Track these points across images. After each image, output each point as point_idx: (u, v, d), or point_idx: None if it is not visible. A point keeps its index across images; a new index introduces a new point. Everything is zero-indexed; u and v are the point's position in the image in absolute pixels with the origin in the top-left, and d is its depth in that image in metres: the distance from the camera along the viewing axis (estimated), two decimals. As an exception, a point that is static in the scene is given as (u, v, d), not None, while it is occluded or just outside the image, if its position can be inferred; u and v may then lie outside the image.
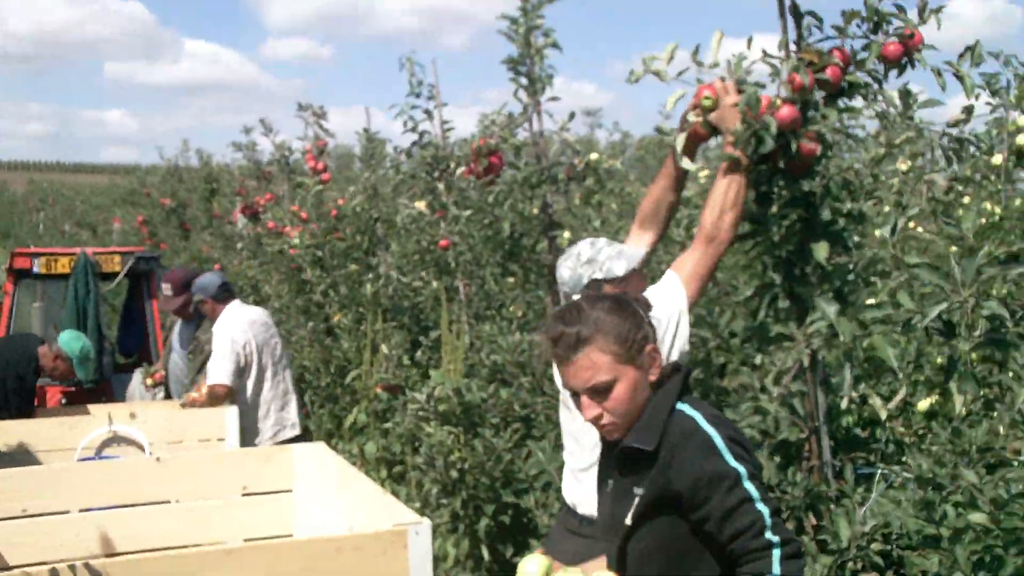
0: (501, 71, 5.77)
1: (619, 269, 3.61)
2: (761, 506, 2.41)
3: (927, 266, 2.78)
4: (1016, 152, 4.75)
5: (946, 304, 2.76)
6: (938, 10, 3.44)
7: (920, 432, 4.71)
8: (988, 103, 4.31)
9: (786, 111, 3.50)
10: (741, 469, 2.43)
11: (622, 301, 2.60)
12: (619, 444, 2.57)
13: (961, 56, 3.35)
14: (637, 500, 2.52)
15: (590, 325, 2.53)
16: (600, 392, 2.53)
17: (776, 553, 2.38)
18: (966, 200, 4.47)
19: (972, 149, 3.42)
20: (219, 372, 6.31)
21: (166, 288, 7.11)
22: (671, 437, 2.48)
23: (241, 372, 6.34)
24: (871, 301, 3.23)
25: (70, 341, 6.58)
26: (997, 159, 4.60)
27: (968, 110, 3.31)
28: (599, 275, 3.59)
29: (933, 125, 3.30)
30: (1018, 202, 4.89)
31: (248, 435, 6.35)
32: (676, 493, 2.45)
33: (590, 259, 3.64)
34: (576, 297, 2.73)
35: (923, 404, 4.77)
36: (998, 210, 4.37)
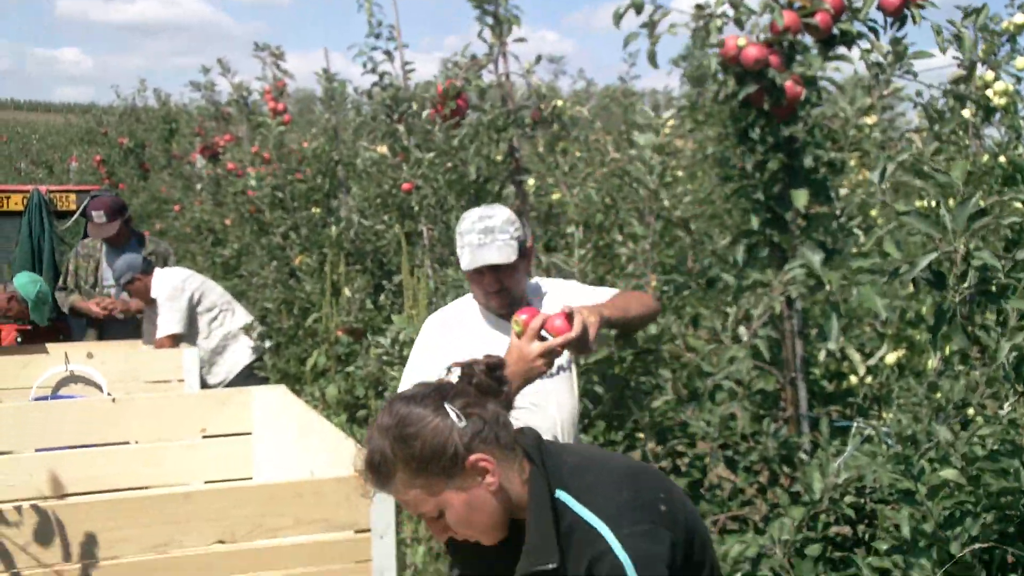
0: (461, 18, 5.65)
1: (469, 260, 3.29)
2: None
3: (917, 214, 2.70)
4: (984, 107, 4.69)
5: (937, 254, 2.68)
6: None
7: (889, 387, 4.68)
8: (955, 57, 4.24)
9: (753, 51, 3.42)
10: None
11: (416, 415, 2.13)
12: (517, 569, 2.15)
13: (967, 16, 3.26)
14: None
15: (384, 461, 2.14)
16: (436, 519, 2.17)
17: None
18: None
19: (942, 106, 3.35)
20: (162, 324, 6.25)
21: (98, 215, 7.02)
22: (573, 545, 2.09)
23: (188, 320, 6.33)
24: (855, 251, 3.16)
25: (26, 284, 6.41)
26: (966, 113, 4.55)
27: (970, 67, 3.22)
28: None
29: (929, 82, 3.22)
30: (985, 158, 4.84)
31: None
32: None
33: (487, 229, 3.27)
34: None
35: (891, 358, 4.73)
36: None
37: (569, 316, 2.91)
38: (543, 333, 2.92)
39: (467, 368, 2.20)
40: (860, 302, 4.34)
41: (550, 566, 2.07)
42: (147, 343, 6.69)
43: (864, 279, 2.65)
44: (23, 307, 6.45)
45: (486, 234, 3.23)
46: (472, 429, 2.10)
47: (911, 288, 4.92)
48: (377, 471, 2.13)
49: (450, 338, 3.35)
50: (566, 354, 3.22)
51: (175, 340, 6.29)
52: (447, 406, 2.10)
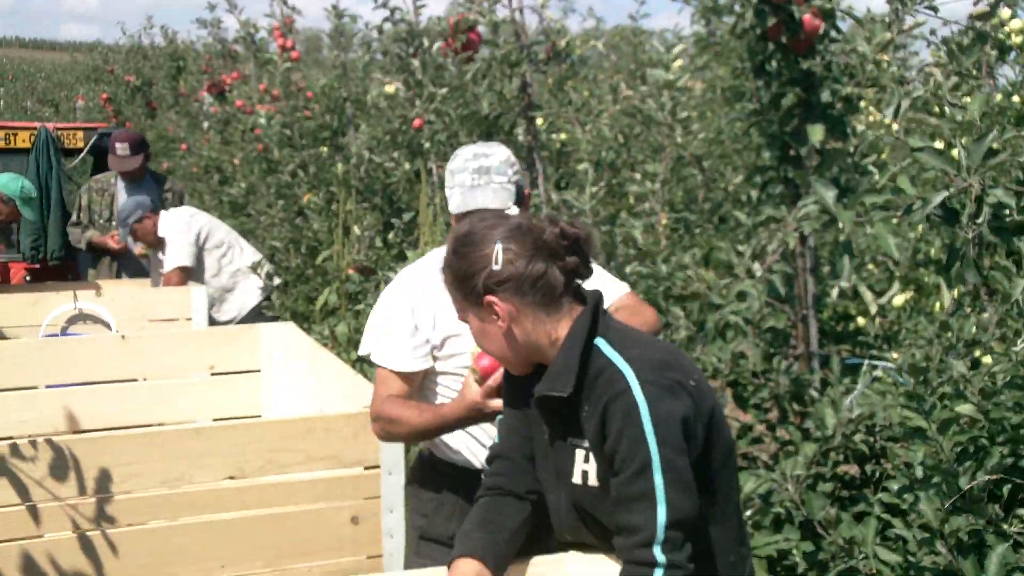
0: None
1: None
2: (662, 509, 2.06)
3: (931, 150, 2.65)
4: (998, 47, 4.63)
5: (951, 190, 2.64)
6: None
7: (899, 326, 4.67)
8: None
9: None
10: (655, 456, 2.08)
11: (475, 238, 2.29)
12: (534, 390, 2.27)
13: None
14: (587, 456, 2.23)
15: (444, 258, 2.35)
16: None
17: (658, 573, 2.05)
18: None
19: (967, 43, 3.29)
20: (172, 257, 6.22)
21: (122, 148, 6.90)
22: (598, 386, 2.17)
23: (197, 257, 6.28)
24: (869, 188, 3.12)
25: (7, 184, 6.25)
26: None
27: (994, 4, 3.16)
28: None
29: (948, 19, 3.16)
30: (999, 97, 4.79)
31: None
32: (609, 453, 2.16)
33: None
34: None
35: (899, 300, 4.72)
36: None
37: None
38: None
39: (547, 220, 2.30)
40: (872, 241, 4.32)
41: (562, 393, 2.19)
42: (155, 286, 6.65)
43: (878, 216, 2.61)
44: (11, 207, 6.29)
45: (480, 174, 2.87)
46: (502, 275, 2.23)
47: (920, 229, 4.89)
48: (442, 263, 2.36)
49: (431, 297, 2.87)
50: None
51: (185, 274, 6.23)
52: (498, 245, 2.23)
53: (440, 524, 2.98)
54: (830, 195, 2.65)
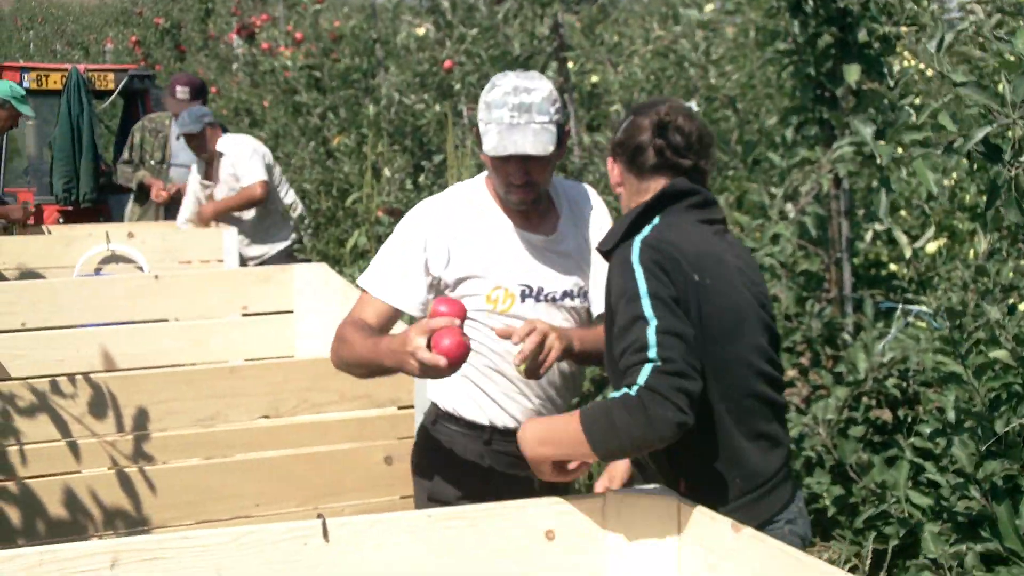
0: None
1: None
2: (652, 323, 2.27)
3: (975, 84, 2.61)
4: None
5: (993, 126, 2.60)
6: None
7: (934, 271, 4.63)
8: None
9: None
10: (643, 287, 2.32)
11: (642, 107, 2.61)
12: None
13: None
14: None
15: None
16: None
17: (648, 366, 2.21)
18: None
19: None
20: (253, 171, 6.10)
21: (182, 91, 6.71)
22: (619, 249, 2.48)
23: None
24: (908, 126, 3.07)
25: None
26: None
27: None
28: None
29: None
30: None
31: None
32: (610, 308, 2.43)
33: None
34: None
35: (932, 247, 4.67)
36: None
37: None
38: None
39: (665, 105, 2.52)
40: (906, 187, 4.28)
41: (600, 248, 2.52)
42: (186, 222, 6.57)
43: (917, 152, 2.57)
44: (8, 109, 6.16)
45: (521, 112, 2.61)
46: (616, 139, 2.57)
47: (955, 177, 4.83)
48: None
49: (449, 232, 2.72)
50: (573, 286, 2.77)
51: (267, 187, 6.16)
52: (633, 117, 2.55)
53: (447, 486, 2.81)
54: (869, 131, 2.61)
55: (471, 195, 2.80)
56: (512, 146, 2.59)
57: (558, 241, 2.76)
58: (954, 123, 2.77)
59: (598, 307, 2.74)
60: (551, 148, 2.62)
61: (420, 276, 2.69)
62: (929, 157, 2.62)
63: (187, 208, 6.51)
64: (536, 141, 2.60)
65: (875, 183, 4.87)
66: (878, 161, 2.65)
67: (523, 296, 2.70)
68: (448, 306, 2.38)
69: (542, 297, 2.71)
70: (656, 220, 2.48)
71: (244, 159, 6.13)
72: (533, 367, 2.46)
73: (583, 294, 2.78)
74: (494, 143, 2.61)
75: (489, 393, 2.75)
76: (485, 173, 2.84)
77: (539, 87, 2.64)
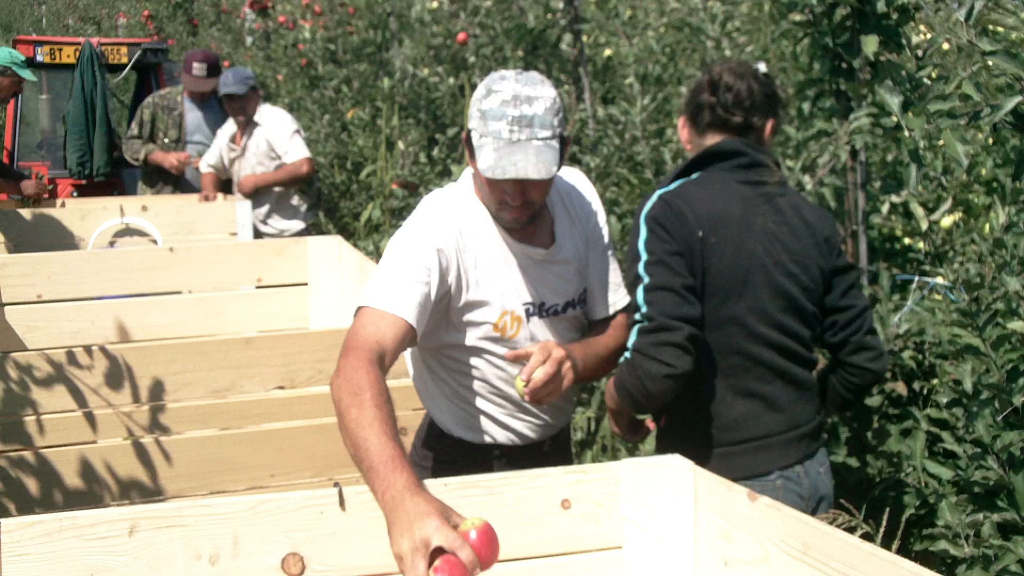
0: None
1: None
2: (641, 286, 2.47)
3: (1005, 53, 2.58)
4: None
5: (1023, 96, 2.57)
6: None
7: (950, 244, 4.61)
8: None
9: None
10: (642, 247, 2.50)
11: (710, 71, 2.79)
12: None
13: None
14: None
15: None
16: None
17: (635, 328, 2.45)
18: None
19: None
20: (298, 148, 6.10)
21: (199, 68, 6.64)
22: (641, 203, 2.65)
23: None
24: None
25: None
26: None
27: None
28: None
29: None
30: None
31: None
32: None
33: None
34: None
35: (947, 220, 4.65)
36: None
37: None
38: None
39: (718, 76, 2.65)
40: (925, 158, 4.24)
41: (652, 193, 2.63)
42: (209, 167, 6.47)
43: (944, 123, 2.54)
44: (11, 76, 6.06)
45: (521, 127, 2.32)
46: (686, 98, 2.73)
47: (969, 151, 4.79)
48: None
49: (463, 255, 2.45)
50: (575, 294, 2.61)
51: (312, 165, 6.12)
52: (699, 78, 2.72)
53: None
54: (896, 101, 2.58)
55: (465, 211, 2.50)
56: (512, 168, 2.31)
57: (557, 251, 2.55)
58: (978, 93, 2.75)
59: (598, 310, 2.64)
60: (554, 169, 2.34)
61: (429, 293, 2.36)
62: (957, 128, 2.59)
63: (211, 155, 6.45)
64: (539, 162, 2.32)
65: (890, 157, 4.85)
66: (906, 133, 2.62)
67: (528, 315, 2.52)
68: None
69: (546, 312, 2.55)
70: (694, 176, 2.60)
71: (288, 135, 6.12)
72: (542, 394, 2.35)
73: (583, 300, 2.63)
74: (491, 162, 2.33)
75: (494, 416, 2.60)
76: (469, 179, 2.58)
77: (541, 95, 2.36)
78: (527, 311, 2.51)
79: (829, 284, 2.64)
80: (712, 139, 2.63)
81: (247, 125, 6.18)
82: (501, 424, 2.60)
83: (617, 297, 2.65)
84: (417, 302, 2.31)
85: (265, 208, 6.21)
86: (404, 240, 2.42)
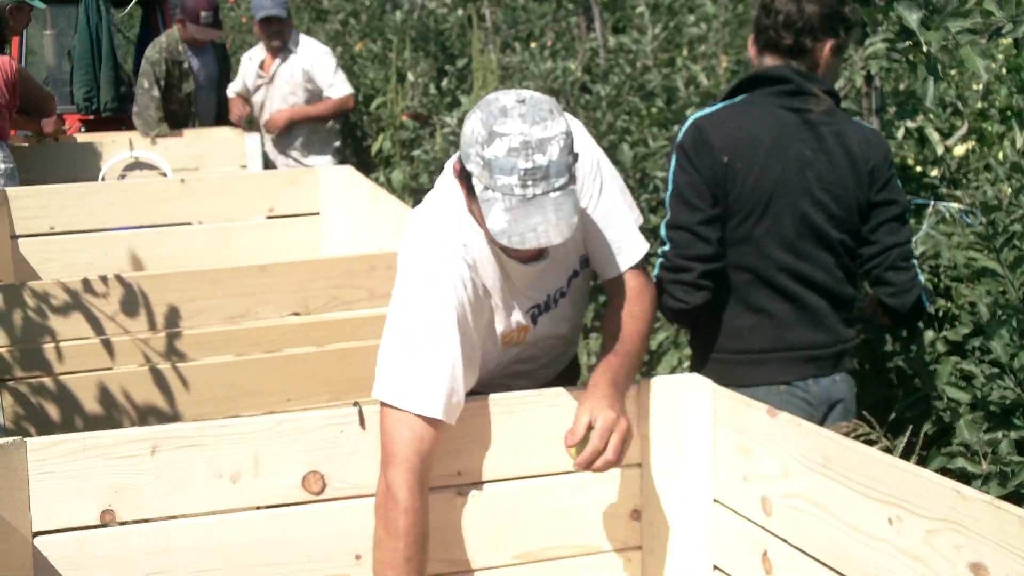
0: None
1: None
2: (664, 223, 2.57)
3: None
4: None
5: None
6: None
7: (966, 169, 4.58)
8: None
9: None
10: (671, 179, 2.58)
11: None
12: None
13: None
14: None
15: None
16: None
17: (657, 262, 2.58)
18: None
19: None
20: (343, 82, 6.07)
21: (207, 16, 6.38)
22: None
23: None
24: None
25: None
26: None
27: None
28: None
29: None
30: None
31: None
32: None
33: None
34: None
35: (960, 149, 4.62)
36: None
37: None
38: None
39: (769, 6, 2.66)
40: (945, 76, 4.19)
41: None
42: (235, 93, 6.36)
43: (964, 39, 2.51)
44: (26, 11, 5.91)
45: (536, 180, 2.00)
46: (753, 19, 2.76)
47: (985, 80, 4.73)
48: None
49: (474, 296, 2.21)
50: (577, 263, 2.41)
51: (355, 100, 6.16)
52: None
53: None
54: (914, 17, 2.54)
55: (462, 238, 2.21)
56: (532, 236, 2.00)
57: (554, 248, 2.24)
58: (1000, 9, 2.71)
59: (608, 270, 2.37)
60: (575, 220, 2.03)
61: (459, 379, 2.13)
62: (977, 44, 2.56)
63: (236, 83, 6.36)
64: (559, 220, 2.01)
65: (903, 86, 4.80)
66: (924, 49, 2.58)
67: (534, 318, 2.37)
68: None
69: (550, 305, 2.39)
70: (738, 99, 2.63)
71: (332, 69, 6.05)
72: (598, 465, 2.06)
73: (585, 263, 2.41)
74: (503, 226, 2.01)
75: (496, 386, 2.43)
76: (454, 190, 2.23)
77: (553, 134, 2.01)
78: (532, 316, 2.37)
79: (867, 216, 2.63)
80: (768, 60, 2.66)
81: (280, 51, 6.04)
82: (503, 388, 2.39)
83: (624, 256, 2.34)
84: (448, 390, 2.09)
85: (299, 141, 6.14)
86: (418, 309, 2.16)
